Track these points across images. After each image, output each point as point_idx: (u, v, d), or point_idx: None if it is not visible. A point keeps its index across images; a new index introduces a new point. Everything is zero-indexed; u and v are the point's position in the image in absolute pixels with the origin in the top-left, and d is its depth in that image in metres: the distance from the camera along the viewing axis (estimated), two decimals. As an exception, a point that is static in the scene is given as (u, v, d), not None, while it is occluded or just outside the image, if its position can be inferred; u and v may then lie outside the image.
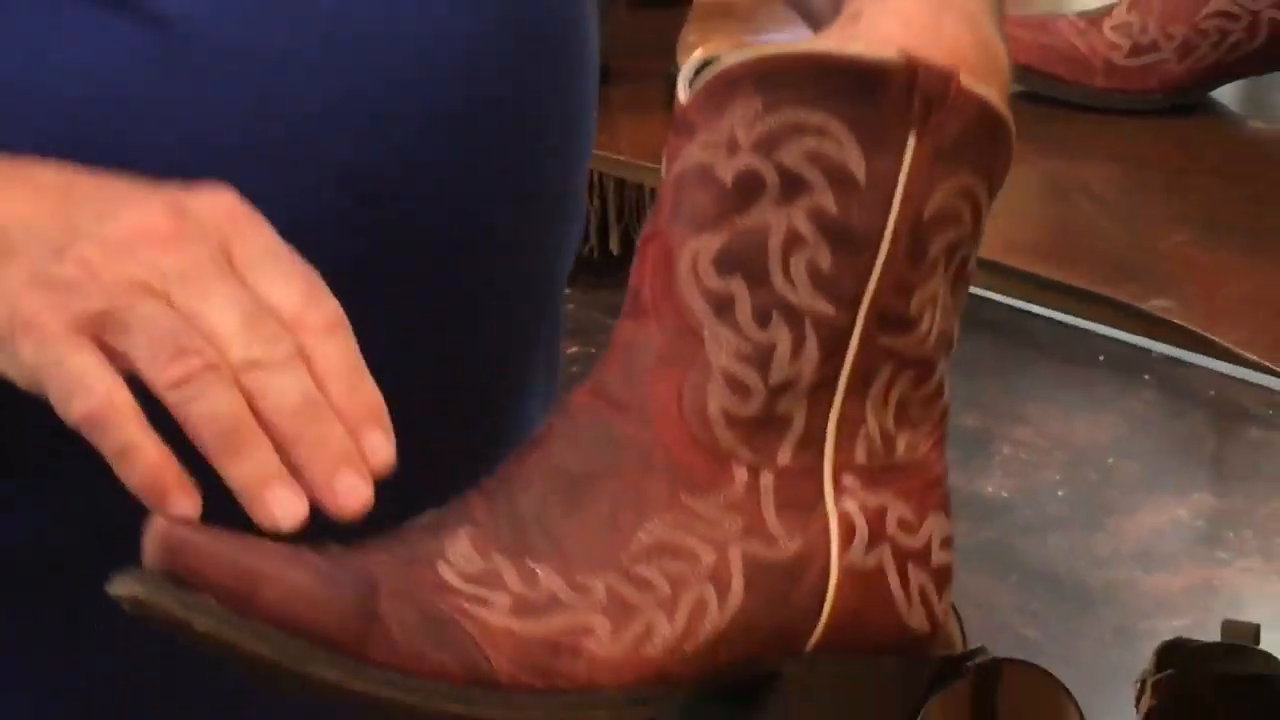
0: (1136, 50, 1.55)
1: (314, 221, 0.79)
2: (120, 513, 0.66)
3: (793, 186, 0.70)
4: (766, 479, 0.72)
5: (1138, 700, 1.19)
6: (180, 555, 0.63)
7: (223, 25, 0.81)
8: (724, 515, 0.72)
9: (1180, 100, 1.58)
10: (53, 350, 0.65)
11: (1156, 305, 1.29)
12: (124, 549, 0.66)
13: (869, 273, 0.72)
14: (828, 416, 0.73)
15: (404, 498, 0.70)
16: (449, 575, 0.68)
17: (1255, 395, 1.65)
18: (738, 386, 0.72)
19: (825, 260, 0.71)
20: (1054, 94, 1.59)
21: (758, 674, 0.74)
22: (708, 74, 0.73)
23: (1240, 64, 1.58)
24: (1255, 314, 1.30)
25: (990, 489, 1.61)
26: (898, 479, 0.75)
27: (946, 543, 0.78)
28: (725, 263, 0.71)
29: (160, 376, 0.64)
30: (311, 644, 0.64)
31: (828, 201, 0.70)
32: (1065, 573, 1.49)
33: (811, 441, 0.73)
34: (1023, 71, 1.51)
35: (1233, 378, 1.49)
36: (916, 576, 0.75)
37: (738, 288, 0.71)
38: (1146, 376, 1.74)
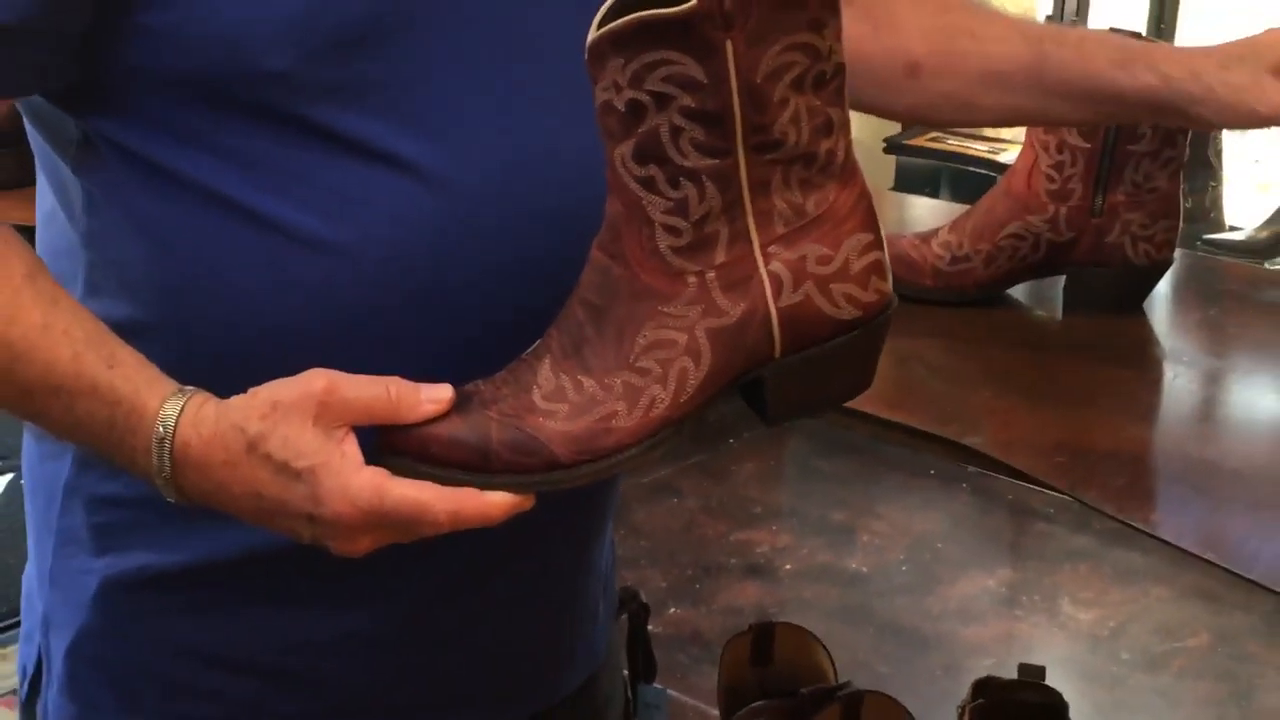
0: (954, 260, 1.73)
1: (499, 303, 0.90)
2: None
3: (662, 101, 0.80)
4: (710, 275, 0.83)
5: (959, 721, 1.20)
6: (391, 442, 0.81)
7: (497, 187, 0.89)
8: (688, 309, 0.83)
9: (986, 295, 1.75)
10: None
11: (970, 441, 1.43)
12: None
13: (733, 130, 0.81)
14: (746, 219, 0.83)
15: None
16: (536, 397, 0.82)
17: (1043, 499, 1.73)
18: (671, 230, 0.82)
19: (700, 134, 0.81)
20: (897, 290, 1.57)
21: (750, 382, 0.85)
22: (589, 44, 0.80)
23: (1028, 270, 1.75)
24: (1038, 448, 1.42)
25: (854, 565, 1.72)
26: (813, 230, 0.84)
27: (865, 249, 0.85)
28: (639, 156, 0.81)
29: None
30: (459, 470, 0.82)
31: (688, 100, 0.80)
32: (908, 625, 1.61)
33: (738, 238, 0.83)
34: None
35: (1027, 487, 1.54)
36: (839, 289, 0.84)
37: (653, 170, 0.81)
38: (964, 485, 1.87)
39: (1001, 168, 2.91)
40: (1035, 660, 1.27)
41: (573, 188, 0.89)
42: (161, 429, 0.83)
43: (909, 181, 3.31)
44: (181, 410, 0.83)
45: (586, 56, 0.80)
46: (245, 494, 0.82)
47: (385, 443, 0.82)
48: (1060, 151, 1.72)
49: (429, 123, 0.88)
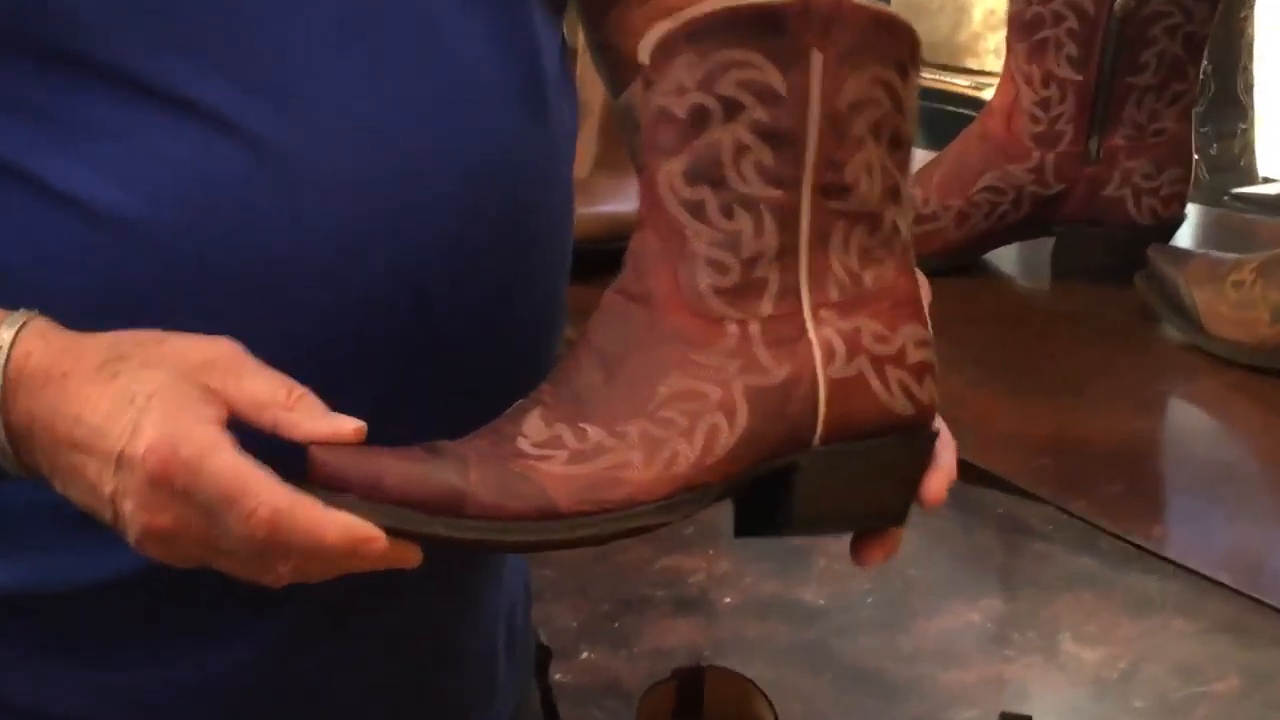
0: (920, 219, 1.75)
1: (381, 311, 0.92)
2: None
3: (732, 109, 0.85)
4: (754, 327, 0.87)
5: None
6: (325, 470, 0.81)
7: (312, 152, 0.92)
8: (725, 361, 0.87)
9: (958, 262, 1.78)
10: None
11: None
12: None
13: (803, 159, 0.87)
14: (798, 271, 0.88)
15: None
16: (523, 445, 0.84)
17: (1037, 512, 1.73)
18: (718, 266, 0.87)
19: (767, 157, 0.86)
20: None
21: (782, 468, 0.89)
22: (652, 40, 0.86)
23: (1008, 231, 1.78)
24: (1019, 446, 1.45)
25: (809, 596, 1.77)
26: (869, 304, 0.90)
27: (922, 344, 0.91)
28: (692, 175, 0.86)
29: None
30: (421, 512, 0.81)
31: (760, 114, 0.86)
32: (874, 669, 1.66)
33: (788, 292, 0.88)
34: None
35: (1016, 497, 1.49)
36: (894, 374, 0.90)
37: (705, 193, 0.86)
38: None
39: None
40: (1028, 710, 1.36)
41: (425, 176, 0.92)
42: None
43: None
44: (24, 324, 0.86)
45: (651, 55, 0.86)
46: (65, 419, 0.83)
47: (318, 471, 0.82)
48: (1046, 85, 1.76)
49: (243, 68, 0.91)
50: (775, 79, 0.86)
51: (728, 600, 1.79)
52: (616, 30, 1.17)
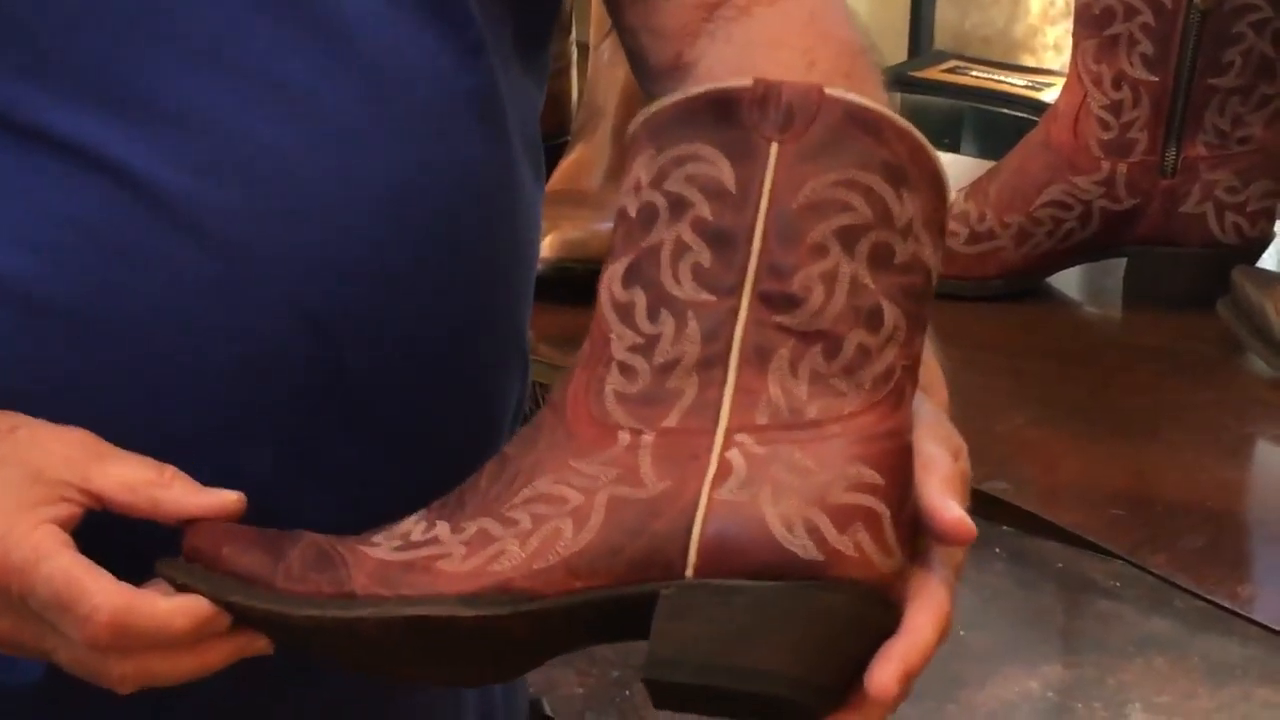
0: (975, 238, 1.76)
1: (274, 354, 0.93)
2: None
3: (678, 206, 0.85)
4: (648, 438, 0.86)
5: None
6: (188, 543, 0.86)
7: (188, 185, 0.92)
8: (601, 469, 0.85)
9: (1018, 286, 1.77)
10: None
11: (994, 487, 1.44)
12: None
13: (746, 262, 0.85)
14: (723, 390, 0.86)
15: None
16: (376, 536, 0.87)
17: (1102, 567, 1.60)
18: (628, 371, 0.86)
19: (706, 258, 0.85)
20: None
21: (642, 595, 0.86)
22: (628, 135, 0.88)
23: (1075, 251, 1.77)
24: (1089, 496, 1.44)
25: None
26: (804, 433, 0.85)
27: (862, 489, 0.84)
28: (629, 277, 0.86)
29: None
30: (237, 580, 0.85)
31: (705, 211, 0.85)
32: None
33: (705, 408, 0.85)
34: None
35: (1081, 551, 1.54)
36: (802, 510, 0.84)
37: (637, 295, 0.86)
38: (997, 550, 1.75)
39: (1046, 108, 2.93)
40: (1096, 789, 1.24)
41: (323, 209, 0.93)
42: None
43: (921, 127, 3.32)
44: None
45: (626, 151, 0.88)
46: None
47: (186, 544, 0.87)
48: (1118, 87, 1.75)
49: (108, 93, 0.92)
50: (725, 173, 0.85)
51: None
52: (642, 28, 1.13)
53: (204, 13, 0.93)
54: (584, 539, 0.85)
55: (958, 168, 2.23)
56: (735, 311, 0.85)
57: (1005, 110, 3.16)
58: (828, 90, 0.85)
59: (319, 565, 0.86)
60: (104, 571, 0.83)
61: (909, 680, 0.84)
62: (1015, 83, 3.25)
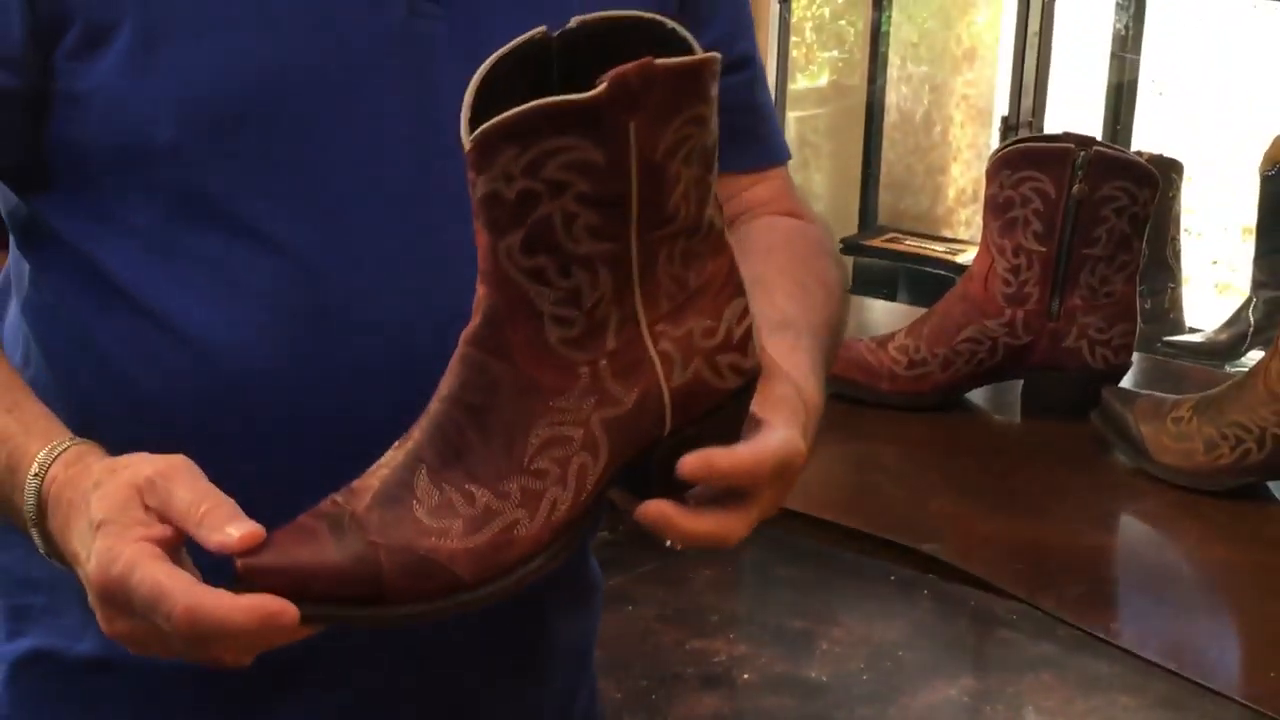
0: (912, 364, 1.76)
1: (422, 370, 0.85)
2: None
3: (558, 187, 0.77)
4: (603, 364, 0.80)
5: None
6: (253, 578, 0.76)
7: (374, 279, 0.90)
8: (582, 401, 0.80)
9: (944, 399, 1.77)
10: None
11: (929, 548, 1.45)
12: None
13: (629, 213, 0.79)
14: (634, 300, 0.80)
15: None
16: (420, 513, 0.78)
17: (1005, 605, 1.69)
18: (562, 320, 0.79)
19: (594, 219, 0.78)
20: (854, 395, 1.75)
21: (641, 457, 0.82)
22: (471, 137, 0.77)
23: (985, 375, 1.77)
24: (996, 554, 1.44)
25: (813, 674, 1.71)
26: (696, 301, 0.82)
27: (742, 317, 0.83)
28: (529, 247, 0.78)
29: None
30: (347, 606, 0.77)
31: (584, 187, 0.77)
32: None
33: (627, 321, 0.80)
34: (832, 378, 1.48)
35: (987, 592, 1.54)
36: (725, 359, 0.83)
37: (543, 260, 0.78)
38: (925, 591, 1.86)
39: (960, 269, 2.95)
40: (1002, 773, 1.24)
41: (459, 291, 0.86)
42: (37, 466, 0.84)
43: (867, 283, 3.35)
44: (62, 451, 0.84)
45: (470, 147, 0.77)
46: (68, 538, 0.82)
47: (246, 576, 0.77)
48: (1016, 255, 1.75)
49: (303, 204, 0.91)
50: (595, 156, 0.77)
51: (746, 677, 1.76)
52: None
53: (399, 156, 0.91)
54: (602, 461, 0.81)
55: (895, 314, 2.29)
56: (629, 246, 0.80)
57: (931, 270, 3.20)
58: (657, 62, 0.77)
59: (420, 571, 0.78)
60: (185, 575, 0.77)
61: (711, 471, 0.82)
62: (938, 249, 3.29)
